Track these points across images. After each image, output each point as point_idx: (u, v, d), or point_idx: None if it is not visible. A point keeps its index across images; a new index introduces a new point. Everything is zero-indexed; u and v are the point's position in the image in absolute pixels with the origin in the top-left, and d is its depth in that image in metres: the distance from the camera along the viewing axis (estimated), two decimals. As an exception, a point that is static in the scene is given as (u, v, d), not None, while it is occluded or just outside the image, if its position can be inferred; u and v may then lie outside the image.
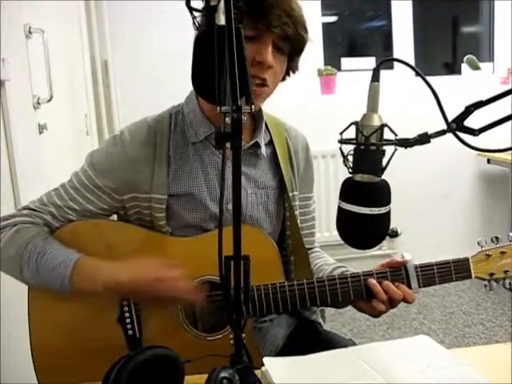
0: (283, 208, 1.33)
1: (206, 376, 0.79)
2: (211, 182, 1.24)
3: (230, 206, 1.23)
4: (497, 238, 1.20)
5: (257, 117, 1.30)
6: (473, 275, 1.20)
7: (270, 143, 1.32)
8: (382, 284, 1.16)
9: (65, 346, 1.19)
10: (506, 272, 1.19)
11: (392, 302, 1.16)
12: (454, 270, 1.20)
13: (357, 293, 1.18)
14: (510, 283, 1.20)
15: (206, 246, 1.17)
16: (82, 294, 1.14)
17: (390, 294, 1.15)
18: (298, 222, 1.34)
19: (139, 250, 1.22)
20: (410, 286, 1.18)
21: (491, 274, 1.20)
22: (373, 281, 1.17)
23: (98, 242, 1.23)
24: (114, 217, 1.32)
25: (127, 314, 1.19)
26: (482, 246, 1.21)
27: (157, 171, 1.21)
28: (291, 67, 1.23)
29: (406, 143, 0.92)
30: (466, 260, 1.20)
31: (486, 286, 1.21)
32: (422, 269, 1.19)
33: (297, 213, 1.34)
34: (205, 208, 1.23)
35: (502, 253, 1.19)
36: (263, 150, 1.29)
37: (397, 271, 1.19)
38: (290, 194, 1.32)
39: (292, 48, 1.18)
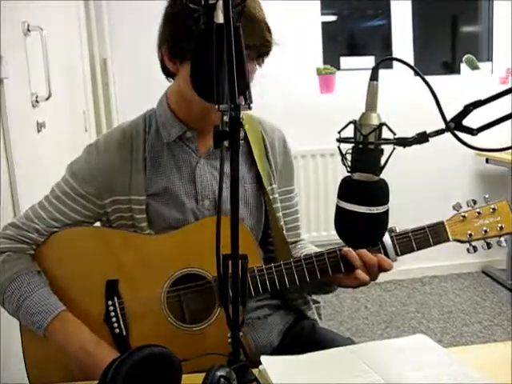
0: (263, 201, 1.34)
1: (202, 375, 0.79)
2: (185, 179, 1.27)
3: (206, 203, 1.27)
4: (474, 201, 1.20)
5: None
6: (450, 238, 1.20)
7: (245, 138, 1.33)
8: (357, 251, 1.18)
9: (57, 354, 1.20)
10: (485, 232, 1.18)
11: (369, 270, 1.17)
12: (430, 235, 1.21)
13: (334, 267, 1.20)
14: (490, 243, 1.19)
15: (184, 239, 1.22)
16: (53, 343, 1.18)
17: (364, 259, 1.17)
18: (280, 214, 1.35)
19: (120, 251, 1.25)
20: (387, 256, 1.20)
21: (469, 235, 1.19)
22: (347, 248, 1.18)
23: (80, 249, 1.27)
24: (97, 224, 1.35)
25: (112, 314, 1.22)
26: (457, 210, 1.21)
27: (134, 173, 1.25)
28: (259, 63, 1.24)
29: (404, 142, 0.91)
30: (442, 223, 1.21)
31: (468, 249, 1.20)
32: (398, 237, 1.21)
33: (278, 206, 1.35)
34: (181, 204, 1.26)
35: (478, 213, 1.19)
36: None
37: None
38: (269, 188, 1.33)
39: (261, 53, 1.19)
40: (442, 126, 0.88)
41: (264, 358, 0.96)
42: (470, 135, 0.88)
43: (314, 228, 3.54)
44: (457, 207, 1.20)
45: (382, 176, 0.93)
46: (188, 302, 1.24)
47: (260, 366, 0.95)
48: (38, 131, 2.08)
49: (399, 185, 3.24)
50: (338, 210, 0.95)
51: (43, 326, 1.16)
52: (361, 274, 1.17)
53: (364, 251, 1.18)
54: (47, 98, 2.09)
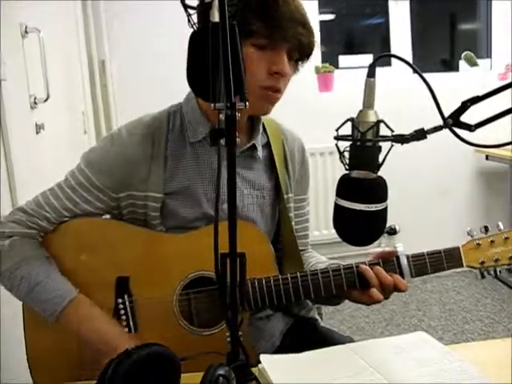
0: (278, 209, 1.33)
1: (202, 374, 0.79)
2: (206, 181, 1.24)
3: (225, 206, 1.23)
4: (486, 227, 1.22)
5: (255, 119, 1.30)
6: (464, 264, 1.22)
7: (267, 145, 1.32)
8: (374, 269, 1.18)
9: (61, 346, 1.19)
10: (496, 261, 1.21)
11: (385, 289, 1.17)
12: (445, 259, 1.21)
13: (350, 283, 1.19)
14: (500, 271, 1.22)
15: (199, 241, 1.18)
16: (66, 328, 1.16)
17: (381, 279, 1.17)
18: (293, 223, 1.34)
19: (131, 247, 1.23)
20: (402, 276, 1.20)
21: (482, 263, 1.21)
22: (365, 267, 1.18)
23: (91, 241, 1.24)
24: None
25: (122, 311, 1.19)
26: (471, 236, 1.22)
27: (154, 170, 1.21)
28: (295, 71, 1.24)
29: (402, 139, 0.91)
30: (457, 249, 1.22)
31: (477, 275, 1.23)
32: (414, 258, 1.21)
33: (291, 215, 1.35)
34: (199, 207, 1.23)
35: (492, 242, 1.21)
36: (260, 152, 1.29)
37: (389, 261, 1.21)
38: (285, 196, 1.32)
39: (301, 54, 1.18)
40: (441, 122, 0.88)
41: (263, 357, 0.96)
42: (468, 131, 0.89)
43: (315, 227, 3.53)
44: (471, 233, 1.22)
45: (380, 172, 0.93)
46: (198, 305, 1.22)
47: (259, 365, 0.95)
48: (37, 133, 2.07)
49: (399, 182, 3.25)
50: (337, 207, 0.95)
51: (56, 312, 1.14)
52: (376, 292, 1.17)
53: (381, 270, 1.18)
54: (46, 100, 2.08)
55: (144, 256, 1.22)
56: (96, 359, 1.08)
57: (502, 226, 1.22)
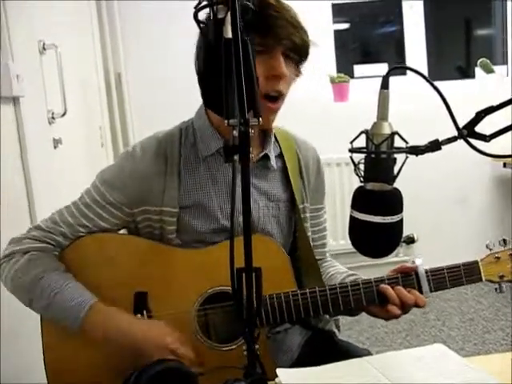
0: (294, 220, 1.33)
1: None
2: (222, 195, 1.25)
3: (240, 219, 1.23)
4: (504, 240, 1.21)
5: (266, 129, 1.30)
6: (483, 278, 1.21)
7: (280, 156, 1.32)
8: (394, 289, 1.17)
9: (78, 360, 1.19)
10: None
11: (404, 307, 1.17)
12: (464, 274, 1.21)
13: (369, 299, 1.19)
14: None
15: (216, 256, 1.18)
16: (89, 336, 1.16)
17: (402, 298, 1.16)
18: (309, 234, 1.34)
19: (148, 262, 1.22)
20: (420, 291, 1.19)
21: (501, 277, 1.21)
22: (386, 286, 1.18)
23: (107, 256, 1.24)
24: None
25: None
26: (490, 249, 1.22)
27: (168, 185, 1.22)
28: (297, 73, 1.24)
29: (416, 151, 0.91)
30: (476, 263, 1.21)
31: (496, 289, 1.22)
32: (433, 273, 1.20)
33: (307, 225, 1.34)
34: (215, 220, 1.23)
35: (510, 255, 1.21)
36: (273, 162, 1.29)
37: (408, 276, 1.20)
38: (301, 206, 1.32)
39: (299, 55, 1.19)
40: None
41: (280, 371, 0.96)
42: (483, 141, 0.88)
43: (332, 237, 3.52)
44: (490, 246, 1.22)
45: (396, 181, 0.93)
46: (217, 321, 1.22)
47: (276, 379, 0.94)
48: (55, 147, 2.10)
49: (416, 191, 3.23)
50: (352, 220, 0.95)
51: (79, 318, 1.14)
52: (395, 309, 1.16)
53: (402, 290, 1.17)
54: (63, 115, 2.12)
55: (162, 271, 1.22)
56: (125, 361, 1.09)
57: None
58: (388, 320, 1.20)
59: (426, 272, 1.20)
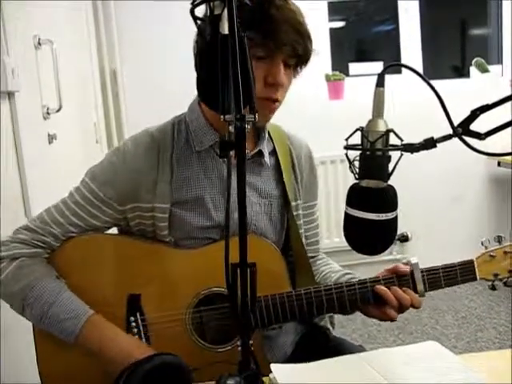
0: (286, 217, 1.33)
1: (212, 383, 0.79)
2: (215, 190, 1.23)
3: (235, 215, 1.22)
4: (499, 237, 1.22)
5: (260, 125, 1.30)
6: (478, 277, 1.21)
7: (273, 152, 1.31)
8: (391, 290, 1.17)
9: (73, 363, 1.17)
10: (510, 272, 1.20)
11: (401, 308, 1.17)
12: (459, 273, 1.21)
13: (364, 299, 1.19)
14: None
15: (211, 257, 1.16)
16: (85, 348, 1.14)
17: (399, 299, 1.16)
18: (302, 231, 1.34)
19: (142, 263, 1.20)
20: (415, 290, 1.19)
21: (496, 275, 1.21)
22: (382, 287, 1.17)
23: (99, 258, 1.21)
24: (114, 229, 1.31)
25: (135, 330, 1.18)
26: (485, 247, 1.22)
27: (160, 180, 1.19)
28: (295, 76, 1.23)
29: (411, 148, 0.91)
30: (471, 262, 1.21)
31: (489, 286, 1.23)
32: (428, 273, 1.20)
33: (300, 222, 1.34)
34: (208, 216, 1.22)
35: (506, 252, 1.21)
36: (267, 158, 1.28)
37: (403, 276, 1.20)
38: (293, 204, 1.31)
39: (299, 61, 1.18)
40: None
41: (274, 366, 0.96)
42: (478, 140, 0.88)
43: (326, 235, 3.52)
44: (485, 243, 1.22)
45: (391, 179, 0.93)
46: (211, 322, 1.20)
47: (270, 374, 0.95)
48: (50, 143, 2.10)
49: (411, 189, 3.24)
50: (347, 217, 0.95)
51: (75, 332, 1.11)
52: (392, 312, 1.16)
53: (397, 290, 1.17)
54: (58, 110, 2.11)
55: (155, 273, 1.20)
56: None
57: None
58: (382, 321, 1.20)
59: (422, 272, 1.19)
